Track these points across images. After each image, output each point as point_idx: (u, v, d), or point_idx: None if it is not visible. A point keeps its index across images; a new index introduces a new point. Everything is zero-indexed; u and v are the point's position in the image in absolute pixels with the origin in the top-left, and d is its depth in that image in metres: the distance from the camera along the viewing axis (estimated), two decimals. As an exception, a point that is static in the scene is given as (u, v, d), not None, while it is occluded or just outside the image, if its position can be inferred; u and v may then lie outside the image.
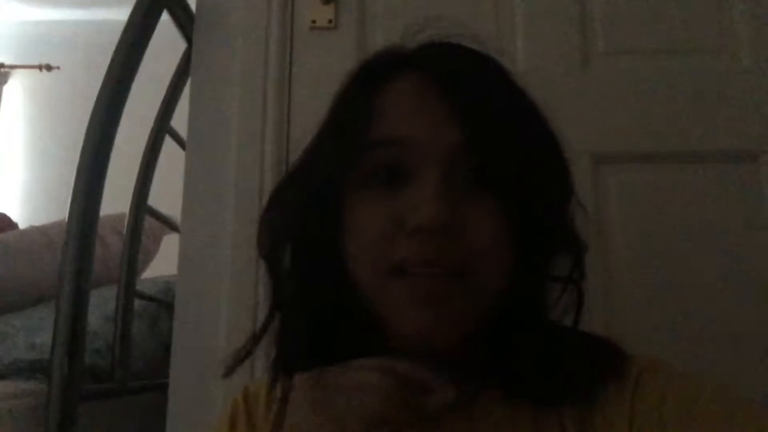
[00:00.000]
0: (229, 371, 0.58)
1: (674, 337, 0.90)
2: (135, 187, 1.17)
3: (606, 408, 0.50)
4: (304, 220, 0.55)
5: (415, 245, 0.48)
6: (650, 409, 0.49)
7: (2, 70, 3.49)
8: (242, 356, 0.58)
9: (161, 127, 1.19)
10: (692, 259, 0.93)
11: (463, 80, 0.52)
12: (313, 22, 1.06)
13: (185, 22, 1.13)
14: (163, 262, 1.64)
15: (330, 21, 1.05)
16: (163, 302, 1.24)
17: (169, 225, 1.28)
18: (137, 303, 1.14)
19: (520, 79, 0.56)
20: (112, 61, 0.96)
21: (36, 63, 3.45)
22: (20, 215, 2.54)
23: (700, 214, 0.94)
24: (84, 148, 0.92)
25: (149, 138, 1.20)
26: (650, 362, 0.53)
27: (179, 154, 1.14)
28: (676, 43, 1.01)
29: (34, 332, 1.06)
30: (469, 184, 0.49)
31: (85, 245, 0.88)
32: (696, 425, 0.46)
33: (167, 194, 1.26)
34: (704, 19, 1.02)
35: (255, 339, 0.58)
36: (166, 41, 1.12)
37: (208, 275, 1.01)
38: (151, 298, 1.21)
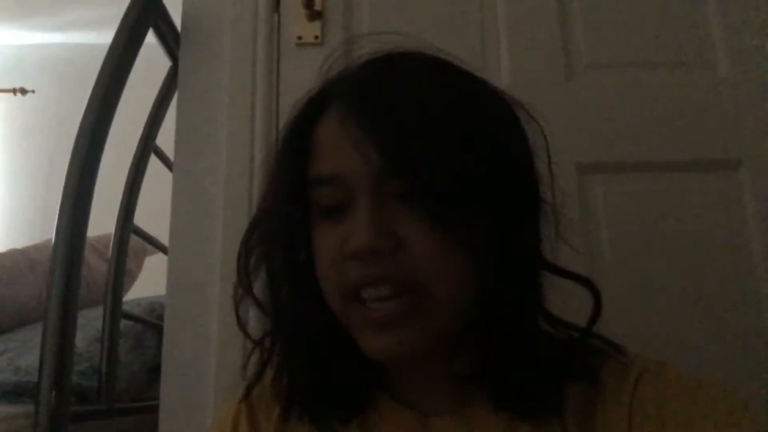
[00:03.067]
0: (244, 397, 0.60)
1: (660, 343, 0.90)
2: (120, 207, 1.16)
3: (605, 408, 0.51)
4: (275, 255, 0.56)
5: (356, 270, 0.49)
6: (650, 410, 0.49)
7: (-25, 94, 3.44)
8: (253, 383, 0.59)
9: (146, 146, 1.19)
10: (676, 266, 0.95)
11: (383, 103, 0.51)
12: (299, 38, 1.07)
13: (171, 40, 1.13)
14: (146, 283, 1.62)
15: (316, 37, 1.06)
16: (149, 322, 1.22)
17: (155, 245, 1.27)
18: (122, 324, 1.12)
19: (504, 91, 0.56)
20: (97, 80, 0.96)
21: (10, 87, 3.41)
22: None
23: (684, 222, 0.96)
24: (70, 170, 0.91)
25: (134, 158, 1.19)
26: (651, 363, 0.53)
27: (164, 173, 1.13)
28: (655, 56, 1.04)
29: (18, 355, 1.04)
30: (400, 204, 0.49)
31: (72, 269, 0.87)
32: (697, 426, 0.47)
33: (152, 214, 1.25)
34: (682, 32, 1.05)
35: (255, 378, 0.59)
36: (149, 61, 1.12)
37: (196, 294, 1.00)
38: (138, 319, 1.20)
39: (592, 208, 0.98)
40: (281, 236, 0.55)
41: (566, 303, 0.56)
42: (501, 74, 1.04)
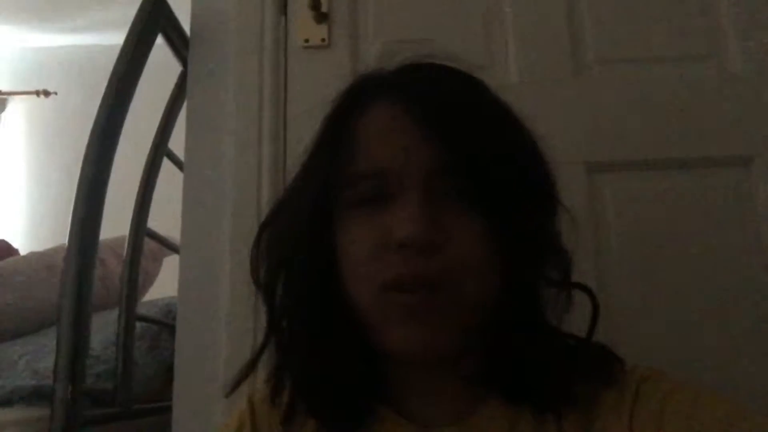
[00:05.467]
0: (231, 391, 0.59)
1: (669, 343, 0.90)
2: (134, 209, 1.17)
3: (605, 417, 0.51)
4: (296, 248, 0.56)
5: (401, 262, 0.49)
6: (649, 419, 0.49)
7: (0, 96, 3.51)
8: (241, 378, 0.59)
9: (159, 150, 1.20)
10: (686, 265, 0.93)
11: (435, 101, 0.53)
12: (306, 41, 1.07)
13: (180, 45, 1.14)
14: (166, 284, 1.64)
15: (323, 40, 1.06)
16: (164, 324, 1.24)
17: (169, 246, 1.28)
18: (138, 326, 1.14)
19: (513, 91, 0.57)
20: (108, 85, 0.98)
21: (33, 89, 3.47)
22: (21, 241, 2.54)
23: (694, 220, 0.95)
24: (82, 173, 0.93)
25: (147, 160, 1.20)
26: (650, 372, 0.53)
27: (178, 175, 1.14)
28: (665, 52, 1.02)
29: (36, 358, 1.06)
30: (451, 200, 0.50)
31: (84, 272, 0.89)
32: None
33: (167, 216, 1.27)
34: (692, 27, 1.03)
35: (252, 363, 0.59)
36: (162, 65, 1.13)
37: (207, 296, 1.01)
38: (153, 321, 1.22)
39: (601, 206, 0.97)
40: (307, 226, 0.55)
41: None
42: (508, 71, 1.03)
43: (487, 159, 0.50)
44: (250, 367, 0.59)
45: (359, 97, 0.57)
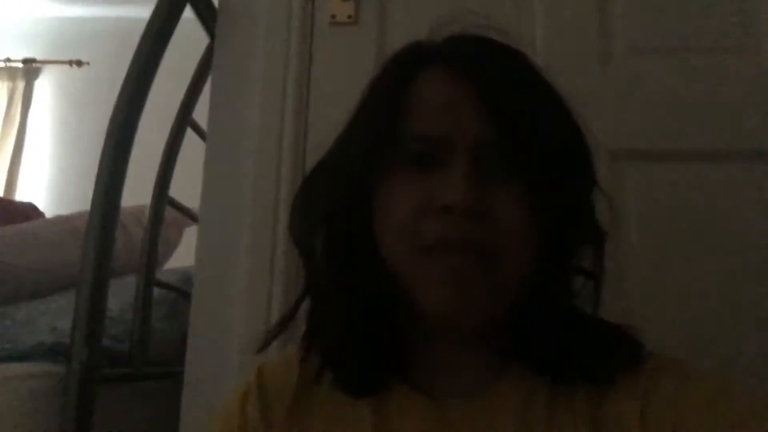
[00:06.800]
0: (262, 348, 0.61)
1: (691, 335, 0.89)
2: (156, 178, 1.19)
3: (618, 401, 0.51)
4: (337, 205, 0.57)
5: (444, 225, 0.49)
6: (664, 407, 0.49)
7: (33, 65, 3.57)
8: (273, 335, 0.61)
9: (183, 120, 1.22)
10: (709, 258, 0.92)
11: (489, 72, 0.53)
12: (333, 17, 1.07)
13: (208, 18, 1.15)
14: (187, 254, 1.67)
15: (350, 16, 1.06)
16: (182, 291, 1.26)
17: (190, 216, 1.30)
18: (157, 292, 1.16)
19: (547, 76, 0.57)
20: (136, 54, 0.99)
21: (66, 59, 3.52)
22: (46, 205, 2.60)
23: (717, 213, 0.94)
24: (107, 139, 0.94)
25: (171, 130, 1.22)
26: (667, 361, 0.53)
27: (201, 146, 1.16)
28: (696, 42, 1.00)
29: (58, 317, 1.09)
30: (497, 171, 0.51)
31: (105, 235, 0.90)
32: (715, 423, 0.46)
33: (189, 186, 1.28)
34: (726, 18, 1.00)
35: (284, 321, 0.60)
36: (190, 36, 1.15)
37: (225, 265, 1.03)
38: (169, 287, 1.24)
39: (623, 195, 0.96)
40: (350, 184, 0.56)
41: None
42: (535, 56, 1.01)
43: (535, 134, 0.51)
44: (283, 324, 0.60)
45: (410, 63, 0.57)
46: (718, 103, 0.96)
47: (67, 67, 3.53)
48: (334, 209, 0.57)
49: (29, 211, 1.99)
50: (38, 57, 3.57)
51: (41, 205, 2.23)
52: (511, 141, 0.51)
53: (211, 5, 1.16)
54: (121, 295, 1.14)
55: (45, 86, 3.58)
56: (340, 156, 0.59)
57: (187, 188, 1.28)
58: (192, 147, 1.25)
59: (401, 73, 0.57)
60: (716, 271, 0.92)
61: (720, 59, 0.99)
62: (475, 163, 0.50)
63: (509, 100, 0.52)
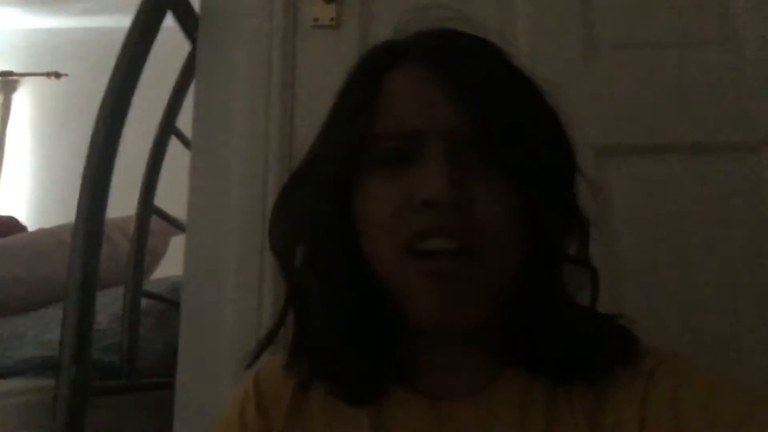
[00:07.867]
0: (251, 362, 0.60)
1: (679, 328, 0.90)
2: (141, 187, 1.18)
3: (616, 399, 0.51)
4: (317, 214, 0.55)
5: (424, 220, 0.48)
6: (663, 402, 0.48)
7: (11, 78, 3.52)
8: (261, 348, 0.59)
9: (167, 128, 1.21)
10: (695, 250, 0.93)
11: (456, 63, 0.52)
12: (315, 20, 1.07)
13: (189, 24, 1.14)
14: (173, 263, 1.65)
15: (332, 19, 1.06)
16: (170, 301, 1.25)
17: (176, 225, 1.29)
18: (145, 302, 1.15)
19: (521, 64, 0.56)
20: (117, 63, 0.97)
21: (44, 70, 3.48)
22: (27, 219, 2.56)
23: (703, 206, 0.94)
24: (90, 151, 0.93)
25: (155, 139, 1.21)
26: (666, 355, 0.52)
27: (186, 154, 1.15)
28: (679, 36, 1.01)
29: (45, 330, 1.08)
30: (477, 164, 0.50)
31: (91, 249, 0.89)
32: (715, 422, 0.46)
33: (175, 195, 1.27)
34: (708, 11, 1.02)
35: (271, 334, 0.59)
36: (171, 43, 1.13)
37: (213, 274, 1.02)
38: (157, 297, 1.22)
39: (609, 190, 0.96)
40: (328, 189, 0.54)
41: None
42: (519, 53, 1.01)
43: (510, 123, 0.50)
44: (270, 338, 0.59)
45: (381, 61, 0.56)
46: (701, 96, 0.97)
47: (45, 79, 3.48)
48: (314, 220, 0.56)
49: (11, 225, 1.96)
50: (16, 69, 3.52)
51: (22, 219, 2.20)
52: (485, 129, 0.50)
53: (191, 11, 1.15)
54: (109, 307, 1.13)
55: (23, 99, 3.54)
56: (315, 163, 0.58)
57: (172, 197, 1.27)
58: (176, 155, 1.24)
59: (372, 72, 0.56)
60: (704, 264, 0.93)
61: (701, 52, 1.00)
62: (452, 156, 0.49)
63: (478, 88, 0.51)
